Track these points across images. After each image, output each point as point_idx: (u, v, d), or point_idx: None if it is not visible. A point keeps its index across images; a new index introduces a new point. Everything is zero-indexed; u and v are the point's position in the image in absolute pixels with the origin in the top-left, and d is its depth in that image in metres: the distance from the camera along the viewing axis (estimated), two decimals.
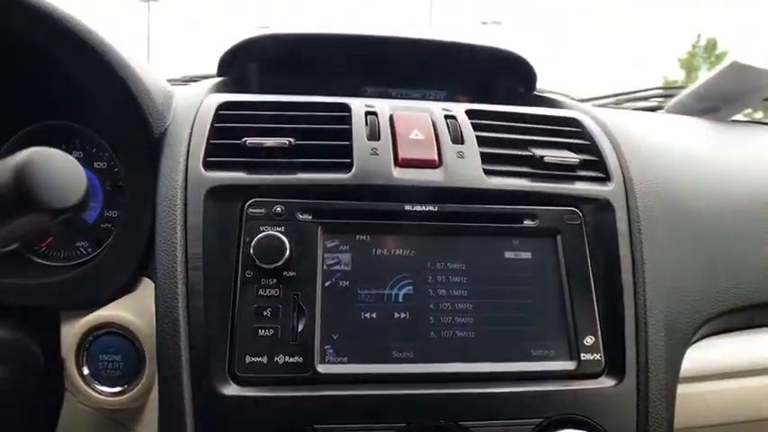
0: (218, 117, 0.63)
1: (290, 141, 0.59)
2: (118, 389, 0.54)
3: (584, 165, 0.64)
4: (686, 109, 1.09)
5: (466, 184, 0.59)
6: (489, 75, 1.02)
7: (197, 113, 0.64)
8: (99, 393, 0.54)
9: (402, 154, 0.60)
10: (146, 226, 0.59)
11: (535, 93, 0.97)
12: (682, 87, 1.33)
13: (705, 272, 0.65)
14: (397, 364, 0.54)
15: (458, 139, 0.63)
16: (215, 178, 0.58)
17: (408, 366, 0.54)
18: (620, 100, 1.42)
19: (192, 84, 0.81)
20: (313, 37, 0.92)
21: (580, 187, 0.62)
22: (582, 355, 0.56)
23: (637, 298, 0.58)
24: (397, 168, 0.59)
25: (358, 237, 0.57)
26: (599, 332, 0.58)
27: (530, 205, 0.60)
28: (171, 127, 0.62)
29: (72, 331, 0.54)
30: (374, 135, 0.61)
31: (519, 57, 0.95)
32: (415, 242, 0.58)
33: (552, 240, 0.60)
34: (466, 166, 0.60)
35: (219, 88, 0.81)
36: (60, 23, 0.54)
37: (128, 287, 0.61)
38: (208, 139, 0.60)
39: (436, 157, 0.60)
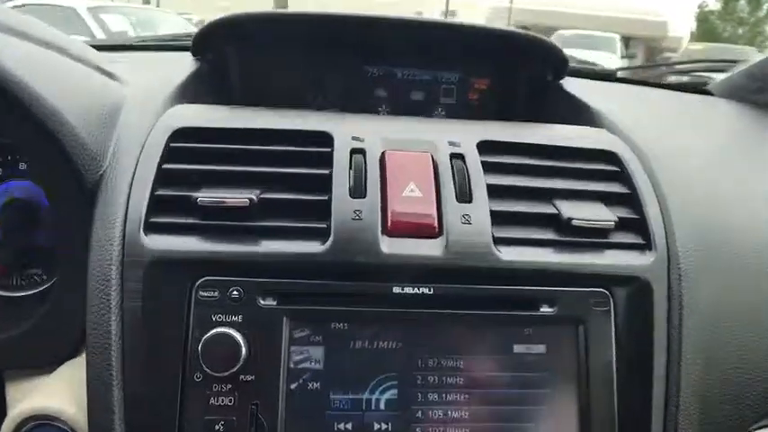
0: (168, 153, 0.51)
1: (251, 200, 0.47)
2: None
3: (620, 225, 0.52)
4: (737, 90, 0.96)
5: (471, 262, 0.47)
6: (512, 57, 0.87)
7: (143, 149, 0.51)
8: None
9: (393, 218, 0.48)
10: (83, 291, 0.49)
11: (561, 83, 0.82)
12: (732, 62, 1.18)
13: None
14: None
15: (464, 194, 0.50)
16: (158, 248, 0.46)
17: None
18: (664, 71, 1.26)
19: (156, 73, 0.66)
20: (305, 18, 0.77)
21: (613, 261, 0.50)
22: None
23: (667, 410, 0.48)
24: (386, 238, 0.47)
25: (333, 325, 0.46)
26: None
27: (549, 286, 0.49)
28: (108, 172, 0.49)
29: (6, 422, 0.48)
30: (359, 188, 0.49)
31: (550, 44, 0.79)
32: (403, 333, 0.47)
33: (572, 330, 0.49)
34: (472, 236, 0.48)
35: (186, 88, 0.67)
36: None
37: (73, 352, 0.52)
38: (152, 190, 0.48)
39: (435, 224, 0.48)
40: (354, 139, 0.53)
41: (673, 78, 1.21)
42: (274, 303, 0.46)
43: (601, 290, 0.49)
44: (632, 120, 0.68)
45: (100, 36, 4.29)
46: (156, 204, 0.48)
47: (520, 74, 0.89)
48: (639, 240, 0.52)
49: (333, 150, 0.51)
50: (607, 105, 0.72)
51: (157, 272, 0.46)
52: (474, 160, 0.52)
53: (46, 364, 0.54)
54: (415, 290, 0.47)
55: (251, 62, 0.87)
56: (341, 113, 0.61)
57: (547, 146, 0.56)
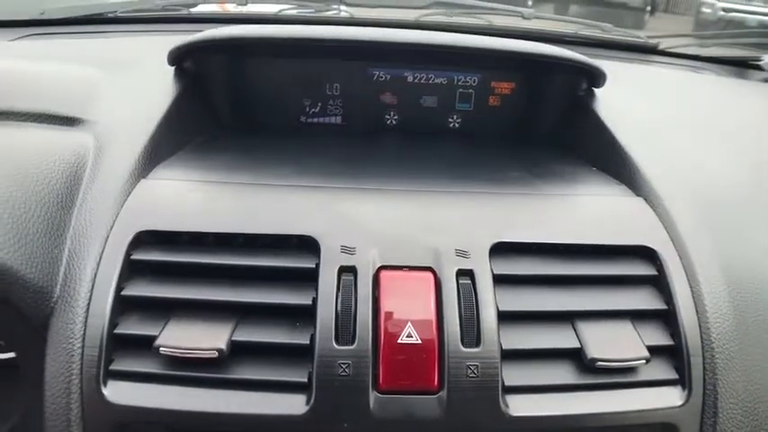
0: (128, 269, 0.44)
1: (220, 350, 0.40)
2: None
3: (653, 355, 0.44)
4: None
5: (477, 422, 0.41)
6: (542, 65, 0.75)
7: (99, 265, 0.44)
8: None
9: (385, 373, 0.41)
10: None
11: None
12: None
13: None
14: None
15: (471, 335, 0.42)
16: (119, 403, 0.40)
17: None
18: (706, 43, 1.11)
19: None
20: (298, 41, 0.65)
21: (641, 406, 0.43)
22: None
23: None
24: (377, 395, 0.41)
25: None
26: None
27: None
28: (59, 304, 0.43)
29: None
30: (346, 330, 0.42)
31: (589, 64, 0.67)
32: None
33: None
34: (478, 390, 0.41)
35: (168, 118, 0.59)
36: None
37: None
38: (110, 328, 0.42)
39: (436, 380, 0.41)
40: (344, 250, 0.45)
41: (716, 50, 1.07)
42: None
43: None
44: (671, 170, 0.58)
45: None
46: (113, 344, 0.42)
47: (548, 81, 0.77)
48: (673, 375, 0.45)
49: (318, 267, 0.44)
50: (644, 146, 0.61)
51: (119, 430, 0.41)
52: (485, 278, 0.44)
53: None
54: None
55: (238, 73, 0.76)
56: (327, 188, 0.52)
57: (572, 245, 0.48)
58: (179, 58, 0.68)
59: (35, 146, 0.51)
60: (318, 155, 0.66)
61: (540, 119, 0.79)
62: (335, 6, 1.09)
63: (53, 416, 0.41)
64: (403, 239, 0.46)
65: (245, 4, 1.12)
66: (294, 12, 1.08)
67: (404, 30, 0.66)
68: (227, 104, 0.77)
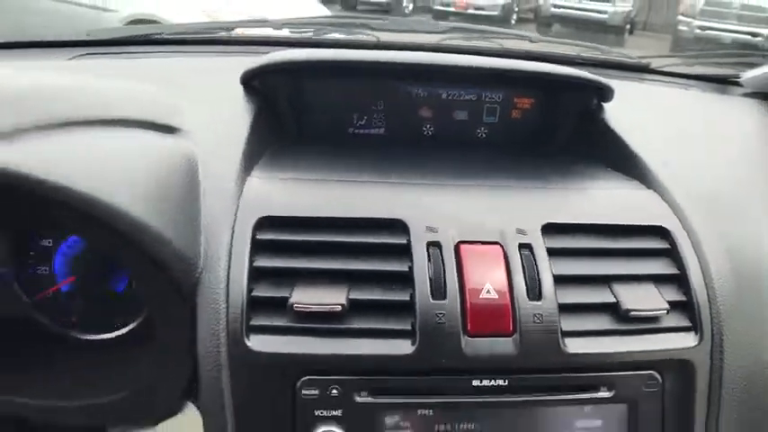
0: (256, 247, 0.55)
1: (342, 305, 0.52)
2: None
3: (671, 308, 0.57)
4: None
5: (541, 356, 0.53)
6: (556, 83, 0.89)
7: (231, 245, 0.55)
8: None
9: (472, 322, 0.53)
10: (188, 363, 0.55)
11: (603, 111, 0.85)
12: (764, 54, 1.18)
13: None
14: None
15: (534, 292, 0.55)
16: (260, 350, 0.52)
17: None
18: (690, 62, 1.26)
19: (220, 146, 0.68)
20: (357, 63, 0.78)
21: (664, 346, 0.56)
22: None
23: None
24: (467, 339, 0.53)
25: (420, 412, 0.53)
26: None
27: (607, 372, 0.55)
28: (204, 275, 0.54)
29: None
30: (439, 288, 0.54)
31: (595, 79, 0.80)
32: (481, 416, 0.54)
33: (626, 409, 0.55)
34: (543, 333, 0.53)
35: (251, 136, 0.70)
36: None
37: (174, 409, 0.59)
38: (248, 292, 0.53)
39: (511, 326, 0.53)
40: (429, 229, 0.57)
41: (699, 68, 1.22)
42: (368, 398, 0.52)
43: (652, 372, 0.55)
44: (674, 168, 0.71)
45: None
46: (252, 306, 0.53)
47: (563, 96, 0.90)
48: (687, 323, 0.57)
49: (410, 243, 0.56)
50: (650, 149, 0.74)
51: (262, 372, 0.52)
52: (541, 250, 0.57)
53: (149, 423, 0.61)
54: (492, 382, 0.53)
55: (297, 90, 0.88)
56: (404, 184, 0.64)
57: (605, 227, 0.60)
58: (251, 77, 0.80)
59: (152, 147, 0.60)
60: (373, 160, 0.78)
61: (556, 129, 0.92)
62: (364, 31, 1.21)
63: (207, 365, 0.52)
64: (473, 221, 0.58)
65: (281, 29, 1.24)
66: (329, 36, 1.20)
67: (443, 54, 0.79)
68: (289, 118, 0.88)
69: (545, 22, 8.72)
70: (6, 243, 0.71)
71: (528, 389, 0.54)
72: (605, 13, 6.29)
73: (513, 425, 0.54)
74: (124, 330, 0.71)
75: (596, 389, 0.55)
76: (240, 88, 0.80)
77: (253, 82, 0.82)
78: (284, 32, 1.24)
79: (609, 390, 0.55)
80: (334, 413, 0.51)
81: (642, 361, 0.55)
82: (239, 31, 1.23)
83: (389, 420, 0.52)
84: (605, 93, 0.83)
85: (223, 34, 1.19)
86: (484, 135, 0.94)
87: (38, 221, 0.63)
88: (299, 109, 0.90)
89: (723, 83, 1.19)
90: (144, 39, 1.11)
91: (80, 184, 0.45)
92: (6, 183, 0.43)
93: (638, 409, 0.55)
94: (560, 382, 0.54)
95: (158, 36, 1.12)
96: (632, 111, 0.89)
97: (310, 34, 1.21)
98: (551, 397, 0.54)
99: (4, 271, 0.73)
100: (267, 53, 0.80)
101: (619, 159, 0.77)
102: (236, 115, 0.74)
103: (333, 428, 0.50)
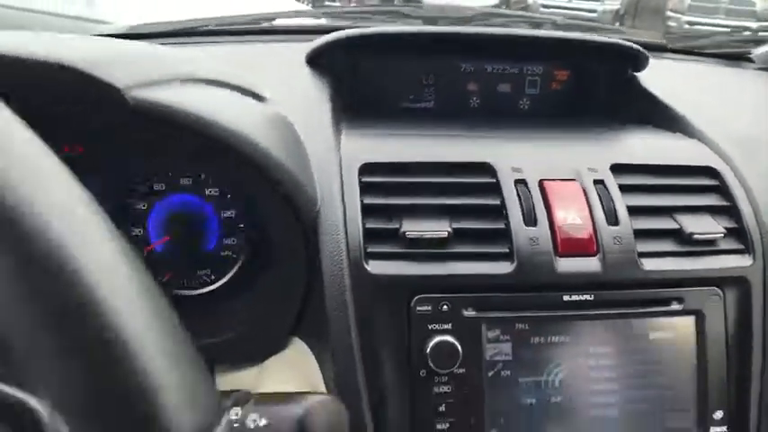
0: (363, 188, 0.63)
1: (449, 231, 0.59)
2: None
3: (726, 234, 0.65)
4: None
5: (624, 273, 0.61)
6: (591, 54, 0.97)
7: (342, 186, 0.62)
8: None
9: (562, 244, 0.60)
10: (299, 292, 0.62)
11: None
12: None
13: None
14: None
15: (612, 217, 0.62)
16: (380, 273, 0.59)
17: None
18: (702, 42, 1.34)
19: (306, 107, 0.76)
20: (414, 35, 0.86)
21: (724, 265, 0.64)
22: (711, 428, 0.63)
23: (764, 380, 0.63)
24: (558, 259, 0.60)
25: (517, 326, 0.60)
26: (727, 408, 0.63)
27: (678, 287, 0.63)
28: (323, 209, 0.61)
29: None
30: (530, 217, 0.61)
31: (628, 46, 0.89)
32: (569, 328, 0.61)
33: (694, 320, 0.63)
34: (622, 253, 0.61)
35: (333, 105, 0.77)
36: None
37: (280, 346, 0.66)
38: (363, 224, 0.61)
39: (595, 246, 0.61)
40: (514, 170, 0.64)
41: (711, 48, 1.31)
42: (474, 313, 0.59)
43: (715, 288, 0.63)
44: (710, 121, 0.79)
45: None
46: (367, 236, 0.60)
47: (599, 67, 0.98)
48: (741, 246, 0.65)
49: (498, 181, 0.63)
50: (686, 107, 0.83)
51: (381, 293, 0.59)
52: (612, 185, 0.64)
53: (257, 360, 0.67)
54: (580, 296, 0.60)
55: (355, 68, 0.96)
56: (482, 137, 0.72)
57: (665, 167, 0.68)
58: (318, 54, 0.87)
59: (257, 105, 0.67)
60: (432, 126, 0.85)
61: (594, 98, 1.00)
62: (399, 19, 1.29)
63: (332, 287, 0.59)
64: (550, 162, 0.66)
65: (320, 18, 1.32)
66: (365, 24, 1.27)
67: (491, 27, 0.87)
68: (350, 93, 0.96)
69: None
70: (106, 207, 0.78)
71: (610, 303, 0.61)
72: (594, 12, 6.46)
73: (596, 336, 0.61)
74: (218, 284, 0.78)
75: (668, 303, 0.62)
76: (300, 69, 0.87)
77: (319, 60, 0.89)
78: (322, 21, 1.31)
79: (679, 303, 0.62)
80: (445, 326, 0.58)
81: (705, 278, 0.63)
82: (280, 22, 1.30)
83: (491, 334, 0.60)
84: (639, 60, 0.91)
85: (265, 25, 1.26)
86: (526, 106, 1.02)
87: (181, 156, 0.69)
88: (355, 86, 0.97)
89: (736, 59, 1.28)
90: (187, 31, 1.17)
91: (224, 121, 0.53)
92: (171, 119, 0.50)
93: (705, 321, 0.63)
94: (637, 296, 0.62)
95: (205, 28, 1.18)
96: (660, 79, 0.98)
97: (348, 23, 1.29)
98: (630, 310, 0.62)
99: None
100: (309, 41, 0.87)
101: (659, 118, 0.85)
102: (310, 88, 0.81)
103: (446, 338, 0.57)
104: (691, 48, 1.30)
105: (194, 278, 0.78)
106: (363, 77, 0.97)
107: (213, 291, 0.78)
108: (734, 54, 1.29)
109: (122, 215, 0.79)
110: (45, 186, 0.24)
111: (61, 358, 0.22)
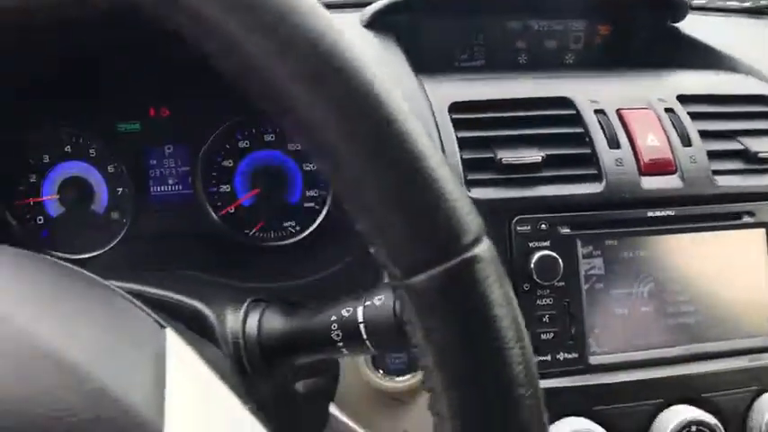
0: (454, 124, 0.68)
1: (542, 157, 0.65)
2: (401, 378, 0.67)
3: None
4: None
5: (701, 189, 0.66)
6: (632, 7, 1.02)
7: (436, 122, 0.67)
8: (386, 381, 0.66)
9: (644, 163, 0.66)
10: None
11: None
12: None
13: None
14: (649, 350, 0.65)
15: (685, 140, 0.68)
16: (481, 198, 0.64)
17: (659, 351, 0.65)
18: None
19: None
20: None
21: None
22: None
23: None
24: (642, 177, 0.66)
25: (607, 242, 0.65)
26: None
27: (748, 202, 0.68)
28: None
29: None
30: (613, 142, 0.67)
31: None
32: (654, 243, 0.66)
33: (761, 231, 0.69)
34: (699, 171, 0.67)
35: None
36: None
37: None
38: (461, 156, 0.66)
39: (674, 164, 0.66)
40: (592, 102, 0.70)
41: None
42: (569, 231, 0.64)
43: None
44: (755, 59, 0.85)
45: None
46: (465, 165, 0.65)
47: (639, 19, 1.03)
48: None
49: (579, 112, 0.69)
50: (730, 49, 0.88)
51: (483, 215, 0.64)
52: (681, 111, 0.70)
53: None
54: (663, 212, 0.66)
55: (410, 30, 1.00)
56: (551, 77, 0.77)
57: (727, 96, 0.74)
58: (378, 16, 0.92)
59: None
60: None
61: (636, 50, 1.05)
62: None
63: None
64: (622, 94, 0.71)
65: None
66: None
67: None
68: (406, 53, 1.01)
69: None
70: (194, 166, 0.83)
71: (689, 218, 0.67)
72: None
73: (679, 249, 0.67)
74: (304, 234, 0.83)
75: (740, 217, 0.68)
76: (360, 31, 0.91)
77: (376, 23, 0.94)
78: None
79: (750, 216, 0.68)
80: (544, 243, 0.64)
81: None
82: None
83: (585, 250, 0.65)
84: (679, 11, 0.97)
85: None
86: (571, 61, 1.07)
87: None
88: (410, 46, 1.02)
89: (759, 14, 1.34)
90: None
91: None
92: None
93: None
94: (713, 211, 0.67)
95: None
96: (694, 29, 1.03)
97: None
98: (707, 224, 0.67)
99: (191, 192, 0.84)
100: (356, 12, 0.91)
101: (705, 61, 0.90)
102: (378, 45, 0.86)
103: (549, 252, 0.63)
104: (712, 5, 1.35)
105: (281, 230, 0.83)
106: (417, 38, 1.02)
107: (300, 241, 0.83)
108: (755, 9, 1.34)
109: (212, 172, 0.83)
110: None
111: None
